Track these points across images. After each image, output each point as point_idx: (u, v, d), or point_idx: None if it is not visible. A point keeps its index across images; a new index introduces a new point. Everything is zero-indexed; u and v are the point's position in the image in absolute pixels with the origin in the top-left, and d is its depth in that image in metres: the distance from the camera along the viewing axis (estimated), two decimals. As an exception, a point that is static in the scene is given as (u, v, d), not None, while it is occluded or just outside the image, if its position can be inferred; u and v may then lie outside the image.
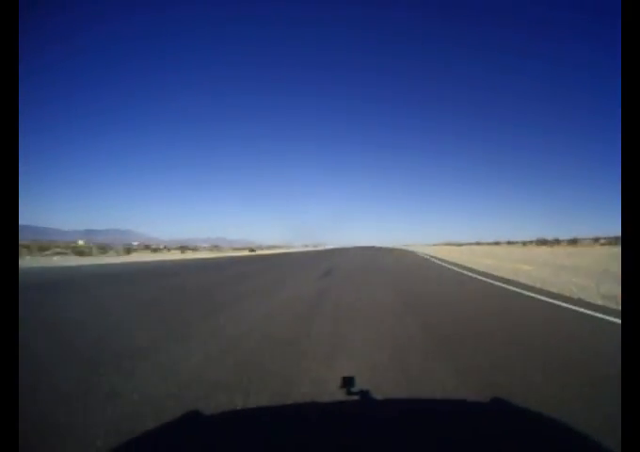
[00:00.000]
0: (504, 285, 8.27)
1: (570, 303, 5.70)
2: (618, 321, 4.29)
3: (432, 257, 24.52)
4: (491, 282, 9.14)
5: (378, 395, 1.11)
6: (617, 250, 23.49)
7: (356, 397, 1.11)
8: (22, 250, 23.34)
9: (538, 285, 7.99)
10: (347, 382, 1.33)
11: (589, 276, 9.57)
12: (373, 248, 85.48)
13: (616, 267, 10.37)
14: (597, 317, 4.65)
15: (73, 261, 21.20)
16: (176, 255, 32.13)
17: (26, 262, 18.78)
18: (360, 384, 2.40)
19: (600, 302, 5.68)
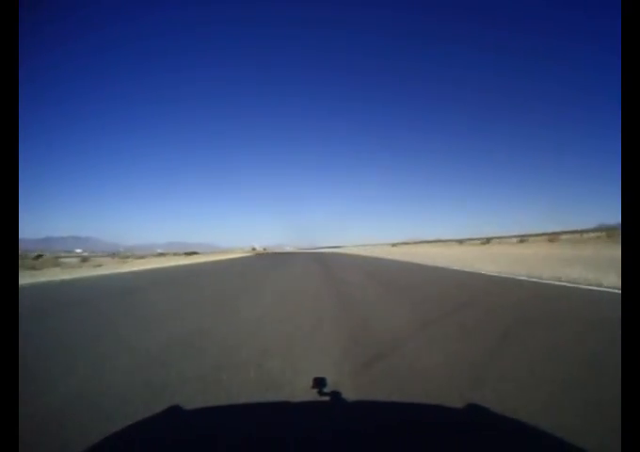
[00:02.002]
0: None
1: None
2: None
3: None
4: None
5: (350, 397, 1.12)
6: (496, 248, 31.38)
7: (326, 398, 1.14)
8: None
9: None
10: (318, 383, 1.33)
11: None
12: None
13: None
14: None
15: None
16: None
17: None
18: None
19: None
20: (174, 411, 1.01)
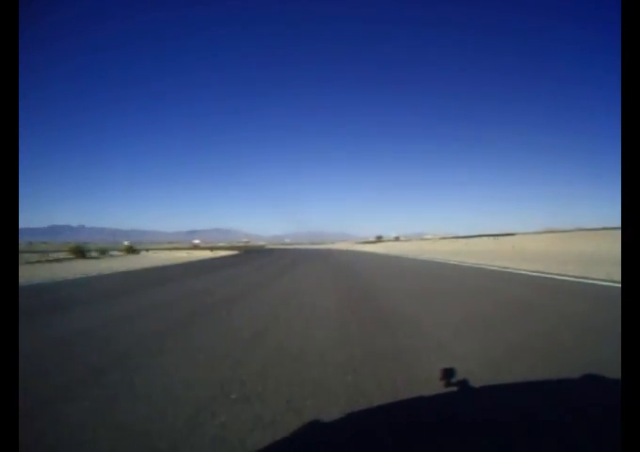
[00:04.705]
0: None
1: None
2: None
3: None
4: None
5: (476, 384, 1.15)
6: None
7: (454, 388, 1.16)
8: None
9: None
10: (447, 374, 1.34)
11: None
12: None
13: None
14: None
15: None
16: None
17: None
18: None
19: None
20: (316, 425, 1.05)
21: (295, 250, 38.88)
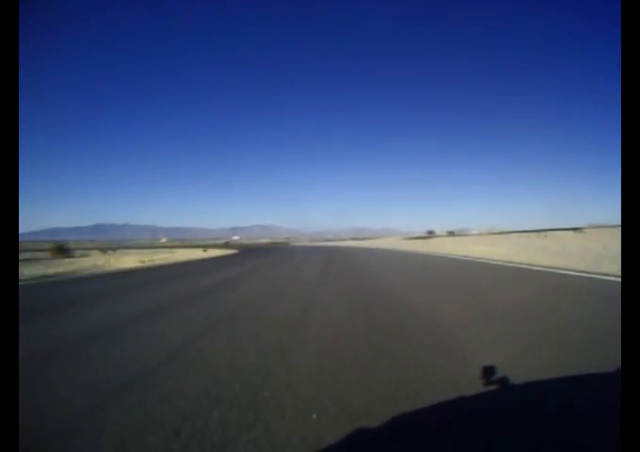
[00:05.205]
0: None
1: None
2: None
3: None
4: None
5: (516, 381, 1.17)
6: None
7: (494, 387, 1.18)
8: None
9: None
10: (487, 372, 1.33)
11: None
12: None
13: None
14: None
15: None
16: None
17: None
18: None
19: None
20: (361, 433, 1.10)
21: (320, 248, 30.64)
